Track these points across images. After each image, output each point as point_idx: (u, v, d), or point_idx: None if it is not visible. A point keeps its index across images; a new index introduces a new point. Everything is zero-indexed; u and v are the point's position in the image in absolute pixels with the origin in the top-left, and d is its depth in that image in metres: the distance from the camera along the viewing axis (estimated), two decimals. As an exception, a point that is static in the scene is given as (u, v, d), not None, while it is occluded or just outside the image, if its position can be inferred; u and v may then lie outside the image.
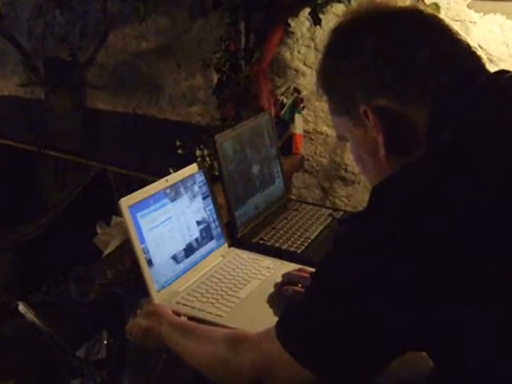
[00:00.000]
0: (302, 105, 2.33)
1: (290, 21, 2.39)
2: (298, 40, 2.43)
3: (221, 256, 1.44)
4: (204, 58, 2.47)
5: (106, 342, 1.24)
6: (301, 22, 2.40)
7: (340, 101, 0.90)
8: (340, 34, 0.91)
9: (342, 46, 0.90)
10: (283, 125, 2.29)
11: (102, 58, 2.99)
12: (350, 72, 0.87)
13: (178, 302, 1.24)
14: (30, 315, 1.18)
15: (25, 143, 2.91)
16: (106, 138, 2.98)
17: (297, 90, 2.36)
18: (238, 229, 1.54)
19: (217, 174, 1.62)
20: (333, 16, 2.28)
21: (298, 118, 2.30)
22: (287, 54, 2.46)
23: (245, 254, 1.45)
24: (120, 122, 3.00)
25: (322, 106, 2.40)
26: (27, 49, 3.06)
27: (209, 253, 1.42)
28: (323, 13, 2.27)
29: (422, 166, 0.77)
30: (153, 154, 2.61)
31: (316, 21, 2.26)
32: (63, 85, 2.89)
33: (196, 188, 1.42)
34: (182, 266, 1.32)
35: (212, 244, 1.43)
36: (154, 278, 1.23)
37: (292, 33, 2.42)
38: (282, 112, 2.29)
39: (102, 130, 3.04)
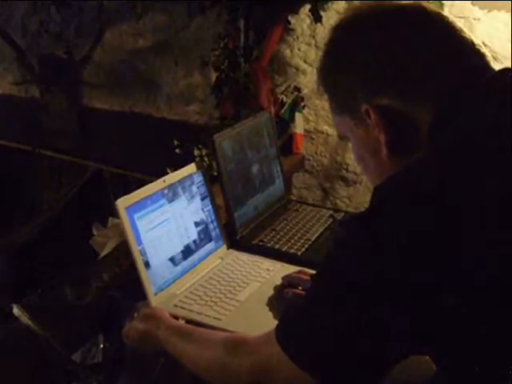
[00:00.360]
0: (302, 103, 2.34)
1: (290, 18, 2.39)
2: (298, 37, 2.44)
3: (219, 258, 1.44)
4: (202, 56, 2.47)
5: (102, 345, 1.24)
6: (301, 19, 2.41)
7: (341, 99, 0.90)
8: (341, 31, 0.91)
9: (343, 44, 0.89)
10: (283, 124, 2.29)
11: (98, 55, 3.00)
12: (352, 70, 0.87)
13: (176, 305, 1.24)
14: (24, 318, 1.18)
15: (19, 143, 2.92)
16: (102, 138, 2.98)
17: (297, 89, 2.36)
18: (237, 230, 1.54)
19: (215, 174, 1.62)
20: (334, 13, 2.28)
21: (298, 117, 2.30)
22: (287, 52, 2.46)
23: (244, 256, 1.45)
24: (116, 121, 3.00)
25: (322, 104, 2.40)
26: (22, 46, 3.07)
27: (207, 255, 1.42)
28: (324, 10, 2.27)
29: (424, 167, 0.77)
30: (150, 153, 2.61)
31: (317, 18, 2.26)
32: (58, 83, 2.90)
33: (194, 188, 1.42)
34: (179, 268, 1.32)
35: (210, 246, 1.43)
36: (151, 280, 1.23)
37: (292, 30, 2.42)
38: (282, 111, 2.29)
39: (98, 129, 3.04)
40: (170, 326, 1.10)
